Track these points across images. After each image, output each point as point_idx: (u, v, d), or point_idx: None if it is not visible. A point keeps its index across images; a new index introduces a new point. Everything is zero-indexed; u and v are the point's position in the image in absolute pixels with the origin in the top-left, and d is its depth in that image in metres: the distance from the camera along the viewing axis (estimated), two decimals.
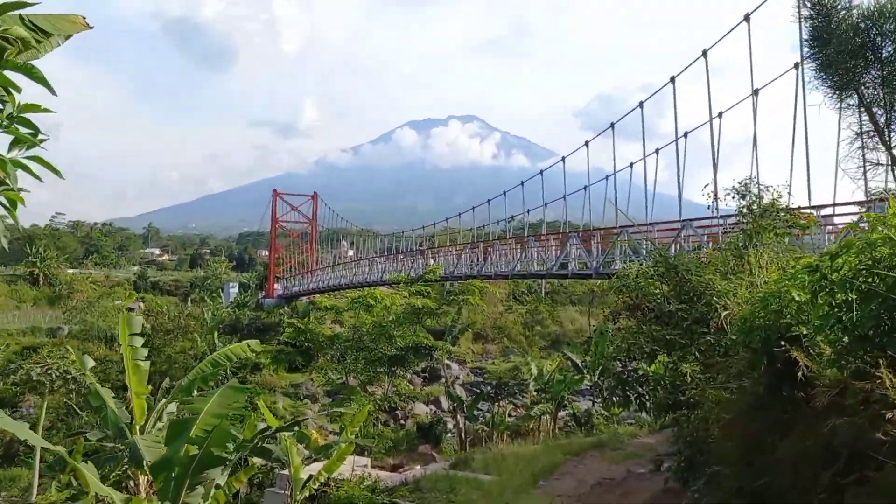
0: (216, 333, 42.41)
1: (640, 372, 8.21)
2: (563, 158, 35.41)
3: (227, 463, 7.58)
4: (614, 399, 8.49)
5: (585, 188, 35.53)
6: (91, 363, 9.30)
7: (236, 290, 79.16)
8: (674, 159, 28.26)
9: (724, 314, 6.95)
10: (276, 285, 77.75)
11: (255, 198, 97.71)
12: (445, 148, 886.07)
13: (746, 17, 24.33)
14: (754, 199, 8.69)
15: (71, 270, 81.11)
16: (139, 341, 8.87)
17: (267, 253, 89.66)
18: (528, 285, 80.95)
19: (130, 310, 58.42)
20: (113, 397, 8.91)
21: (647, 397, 7.78)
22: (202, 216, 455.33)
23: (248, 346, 9.33)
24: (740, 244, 8.14)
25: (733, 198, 8.91)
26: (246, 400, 7.72)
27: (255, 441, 8.80)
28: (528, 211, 40.84)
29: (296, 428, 9.37)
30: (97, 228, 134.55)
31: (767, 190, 8.89)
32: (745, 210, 8.72)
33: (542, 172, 38.24)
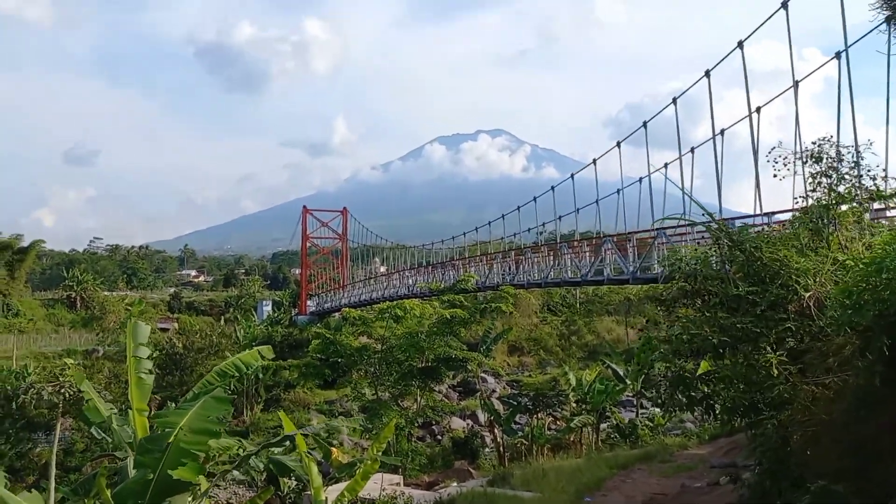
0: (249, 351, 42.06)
1: (702, 369, 7.11)
2: (595, 161, 34.34)
3: (194, 488, 6.79)
4: (674, 403, 7.41)
5: (619, 191, 34.36)
6: (83, 381, 8.60)
7: (270, 308, 79.32)
8: (707, 166, 27.27)
9: (806, 296, 5.94)
10: (308, 302, 77.65)
11: (288, 217, 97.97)
12: (475, 162, 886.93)
13: (784, 5, 23.27)
14: (832, 162, 7.58)
15: (107, 293, 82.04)
16: (145, 352, 8.18)
17: (300, 271, 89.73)
18: (563, 296, 79.65)
19: (164, 329, 58.66)
20: (115, 414, 8.23)
21: (714, 399, 6.66)
22: (237, 237, 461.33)
23: (259, 352, 8.59)
24: (817, 217, 7.10)
25: (804, 162, 7.83)
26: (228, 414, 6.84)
27: (236, 460, 7.83)
28: (560, 217, 39.75)
29: (303, 440, 8.40)
30: (134, 252, 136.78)
31: (848, 151, 7.76)
32: (821, 177, 7.58)
33: (572, 176, 37.25)
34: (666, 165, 30.60)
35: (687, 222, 26.47)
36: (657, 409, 37.09)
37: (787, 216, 13.26)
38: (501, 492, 12.36)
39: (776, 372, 5.54)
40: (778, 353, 5.65)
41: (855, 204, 7.13)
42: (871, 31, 11.32)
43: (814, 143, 7.73)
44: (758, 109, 25.46)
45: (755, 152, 23.64)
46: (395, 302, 24.42)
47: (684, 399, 6.95)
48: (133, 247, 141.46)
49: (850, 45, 20.39)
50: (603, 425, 25.82)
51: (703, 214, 6.81)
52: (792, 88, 23.66)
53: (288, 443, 8.33)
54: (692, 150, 28.61)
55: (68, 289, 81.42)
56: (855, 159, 7.59)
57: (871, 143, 8.04)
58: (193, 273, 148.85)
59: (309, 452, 9.15)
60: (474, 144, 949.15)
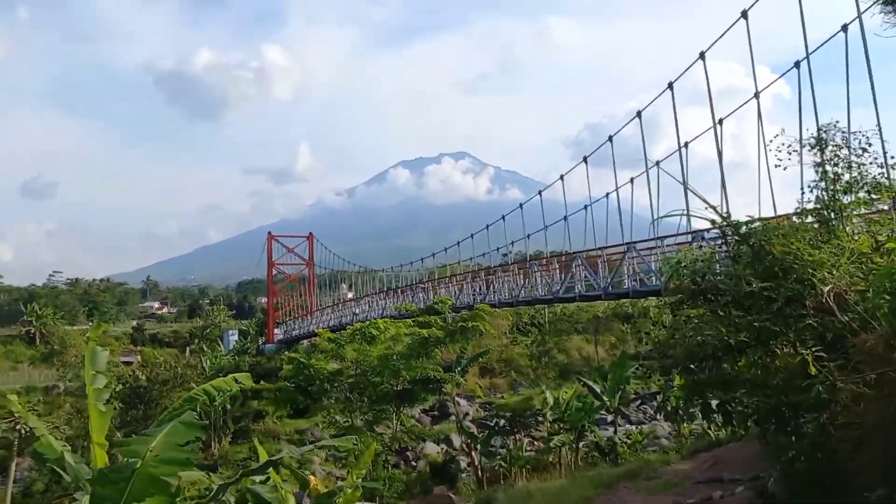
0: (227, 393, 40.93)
1: (718, 373, 6.71)
2: (562, 177, 34.45)
3: None
4: (686, 410, 6.99)
5: (586, 207, 34.47)
6: (29, 416, 8.00)
7: (236, 337, 77.85)
8: (668, 183, 27.64)
9: (826, 290, 5.65)
10: (276, 330, 76.41)
11: (253, 245, 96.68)
12: (439, 185, 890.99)
13: (744, 14, 23.65)
14: (836, 149, 7.37)
15: (68, 327, 79.75)
16: (102, 381, 7.60)
17: (266, 299, 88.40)
18: (532, 316, 79.60)
19: (127, 363, 56.93)
20: (68, 450, 7.64)
21: (731, 405, 6.25)
22: (200, 267, 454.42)
23: (236, 379, 8.08)
24: (824, 208, 6.85)
25: (810, 150, 7.63)
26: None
27: (209, 493, 7.15)
28: (528, 236, 39.73)
29: (273, 470, 7.70)
30: (95, 285, 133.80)
31: (854, 137, 7.55)
32: (826, 164, 7.33)
33: (540, 193, 37.27)
34: (632, 180, 30.74)
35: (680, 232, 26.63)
36: (633, 427, 37.08)
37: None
38: None
39: (814, 370, 5.19)
40: (813, 350, 5.27)
41: (862, 194, 6.94)
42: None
43: (820, 129, 7.53)
44: (720, 121, 25.80)
45: (720, 161, 23.84)
46: (367, 322, 23.84)
47: (700, 406, 6.56)
48: (94, 280, 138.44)
49: (812, 53, 20.83)
50: (580, 444, 25.49)
51: (706, 208, 6.55)
52: (753, 100, 24.11)
53: (271, 469, 7.68)
54: (657, 163, 28.83)
55: (27, 324, 79.22)
56: (862, 146, 7.39)
57: (879, 129, 7.92)
58: (157, 305, 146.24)
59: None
60: (438, 168, 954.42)
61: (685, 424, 23.72)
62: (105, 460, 7.15)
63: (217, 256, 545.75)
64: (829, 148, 7.35)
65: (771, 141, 7.93)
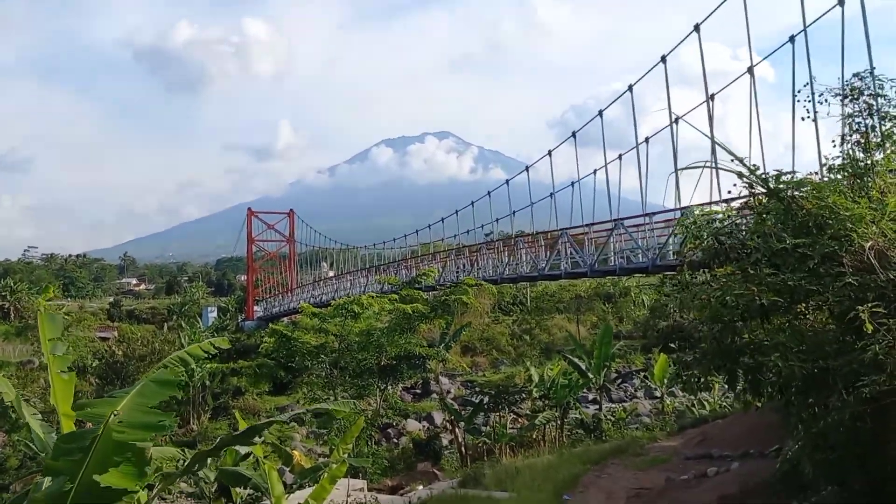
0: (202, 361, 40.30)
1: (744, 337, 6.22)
2: (550, 153, 33.99)
3: (131, 499, 5.08)
4: (704, 380, 6.51)
5: (573, 184, 34.10)
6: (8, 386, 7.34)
7: (215, 314, 76.93)
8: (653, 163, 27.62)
9: (867, 246, 5.24)
10: (255, 307, 75.60)
11: (232, 222, 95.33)
12: (422, 164, 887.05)
13: (696, 28, 23.84)
14: (870, 97, 6.96)
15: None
16: (61, 348, 7.04)
17: (246, 277, 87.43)
18: (514, 295, 79.53)
19: (104, 338, 56.07)
20: (39, 418, 7.06)
21: (761, 372, 5.77)
22: (179, 244, 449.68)
23: (212, 343, 7.54)
24: (859, 158, 6.42)
25: (842, 101, 7.22)
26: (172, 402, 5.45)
27: (192, 464, 6.20)
28: (514, 213, 39.30)
29: (258, 439, 6.97)
30: (71, 260, 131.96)
31: (892, 86, 7.13)
32: (858, 115, 6.93)
33: (527, 168, 36.79)
34: (621, 157, 30.38)
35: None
36: (615, 405, 37.03)
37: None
38: (475, 493, 11.56)
39: (870, 327, 4.77)
40: (871, 306, 4.82)
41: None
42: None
43: (855, 76, 7.13)
44: (712, 97, 25.45)
45: (712, 135, 23.47)
46: (351, 297, 23.28)
47: (726, 372, 6.09)
48: (70, 255, 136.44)
49: (809, 26, 20.51)
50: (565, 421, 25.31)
51: (732, 160, 6.07)
52: (746, 75, 23.79)
53: (256, 445, 7.04)
54: (647, 139, 28.47)
55: (1, 299, 77.71)
56: None
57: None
58: (134, 281, 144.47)
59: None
60: (421, 147, 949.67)
61: (702, 395, 23.50)
62: (72, 429, 6.63)
63: (196, 233, 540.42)
64: (864, 97, 6.96)
65: (799, 91, 7.54)
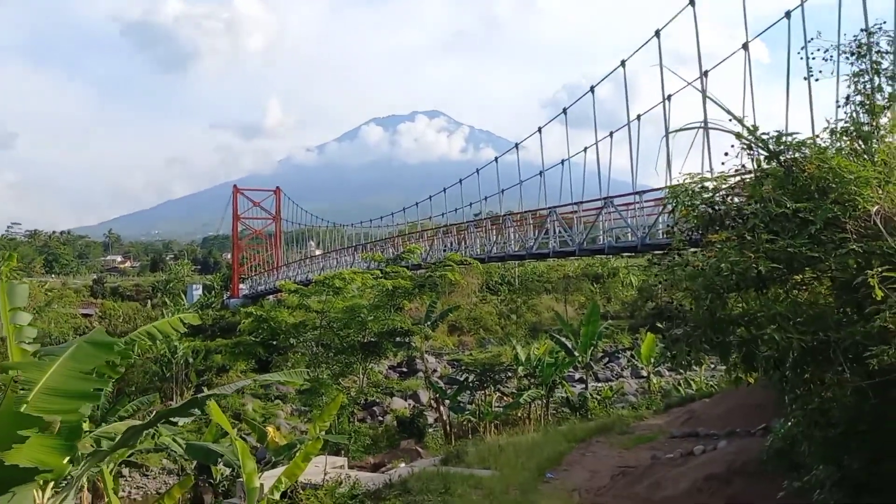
0: (176, 337, 39.86)
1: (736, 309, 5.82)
2: (540, 129, 33.54)
3: (42, 478, 4.34)
4: (695, 355, 6.12)
5: (563, 162, 33.75)
6: None
7: (200, 291, 76.22)
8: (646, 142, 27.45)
9: (873, 210, 4.89)
10: (241, 285, 75.00)
11: (219, 200, 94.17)
12: (413, 144, 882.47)
13: (692, 1, 23.50)
14: (879, 55, 6.60)
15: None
16: (25, 318, 6.62)
17: (231, 255, 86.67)
18: (502, 275, 79.40)
19: (87, 315, 55.44)
20: None
21: (755, 345, 5.39)
22: (165, 221, 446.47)
23: (181, 320, 7.16)
24: (862, 120, 6.07)
25: (847, 59, 6.86)
26: (115, 363, 4.83)
27: (126, 438, 5.39)
28: (503, 191, 38.93)
29: (196, 412, 6.31)
30: (55, 237, 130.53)
31: None
32: (866, 73, 6.55)
33: (517, 145, 36.39)
34: (612, 134, 30.05)
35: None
36: (601, 384, 37.01)
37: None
38: (457, 471, 11.27)
39: (880, 294, 4.40)
40: (883, 271, 4.44)
41: None
42: None
43: (863, 31, 6.74)
44: (706, 73, 25.06)
45: (705, 113, 23.10)
46: (332, 272, 22.83)
47: (715, 347, 5.71)
48: (55, 232, 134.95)
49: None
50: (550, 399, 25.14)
51: (730, 120, 5.70)
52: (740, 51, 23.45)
53: (196, 410, 6.42)
54: (638, 117, 28.10)
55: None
56: None
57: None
58: (119, 259, 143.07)
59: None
60: (411, 126, 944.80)
61: (688, 374, 23.33)
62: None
63: (182, 211, 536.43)
64: (873, 55, 6.58)
65: (800, 50, 7.17)
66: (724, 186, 6.13)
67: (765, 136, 5.66)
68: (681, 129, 6.69)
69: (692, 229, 6.29)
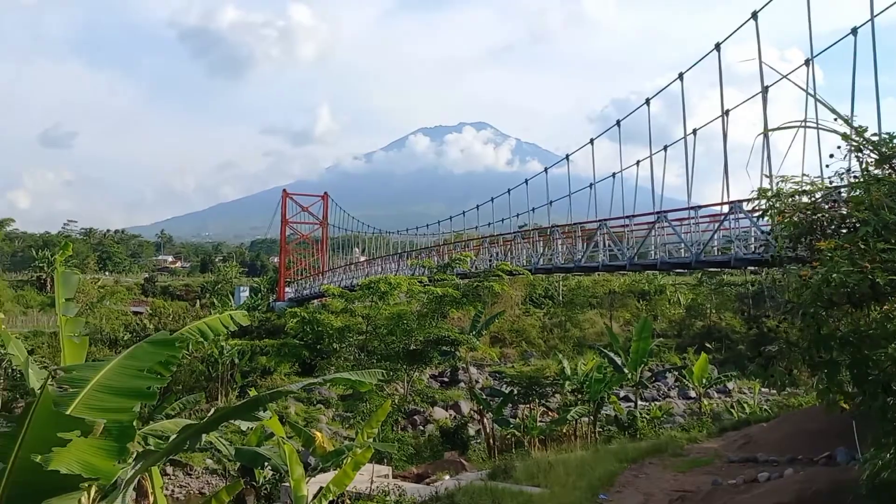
0: (224, 335, 40.34)
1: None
2: (592, 141, 33.07)
3: (89, 483, 3.74)
4: (789, 374, 5.67)
5: (614, 175, 33.23)
6: (10, 340, 6.83)
7: (247, 294, 77.34)
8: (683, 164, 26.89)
9: None
10: (287, 289, 75.81)
11: (268, 205, 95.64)
12: (459, 154, 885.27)
13: (754, 15, 22.89)
14: None
15: (82, 276, 79.53)
16: (73, 309, 6.55)
17: (278, 258, 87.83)
18: (546, 288, 78.62)
19: (137, 313, 56.74)
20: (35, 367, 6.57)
21: (867, 365, 4.92)
22: (215, 224, 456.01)
23: (232, 317, 7.01)
24: None
25: None
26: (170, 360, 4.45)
27: (182, 440, 4.95)
28: (551, 202, 38.54)
29: (264, 413, 5.87)
30: (110, 236, 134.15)
31: None
32: None
33: (567, 157, 35.95)
34: (665, 148, 29.46)
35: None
36: (647, 403, 36.05)
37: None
38: (506, 486, 10.91)
39: None
40: None
41: None
42: None
43: None
44: (766, 89, 24.29)
45: (765, 126, 22.35)
46: (378, 277, 22.69)
47: (818, 366, 5.25)
48: (108, 231, 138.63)
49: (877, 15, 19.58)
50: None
51: (835, 119, 5.29)
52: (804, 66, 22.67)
53: (276, 424, 6.11)
54: (694, 131, 27.45)
55: (38, 270, 79.09)
56: None
57: None
58: (170, 259, 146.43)
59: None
60: (458, 136, 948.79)
61: (741, 397, 22.50)
62: None
63: (232, 214, 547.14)
64: None
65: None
66: (823, 192, 5.68)
67: (874, 139, 5.22)
68: (780, 129, 6.26)
69: (791, 237, 5.82)
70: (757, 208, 8.35)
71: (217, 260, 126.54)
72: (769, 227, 21.70)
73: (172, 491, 26.95)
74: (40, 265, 78.56)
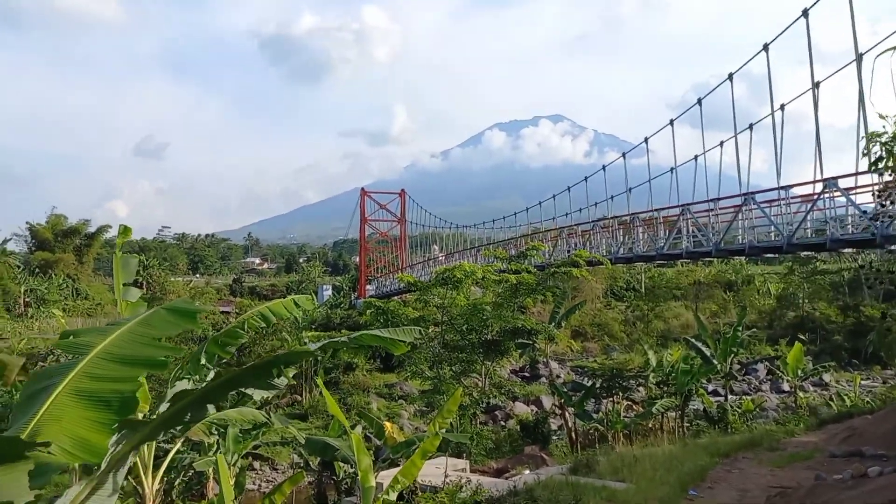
0: (307, 332, 41.08)
1: None
2: (672, 122, 31.79)
3: (81, 460, 3.22)
4: None
5: (696, 158, 31.86)
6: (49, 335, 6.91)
7: (330, 292, 78.99)
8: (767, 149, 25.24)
9: None
10: (367, 286, 76.90)
11: (348, 206, 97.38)
12: (535, 148, 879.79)
13: None
14: None
15: (174, 278, 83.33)
16: (135, 293, 6.51)
17: (359, 258, 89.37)
18: (627, 280, 76.84)
19: (225, 312, 58.81)
20: None
21: None
22: (299, 226, 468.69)
23: (295, 301, 6.85)
24: None
25: None
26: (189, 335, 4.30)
27: (180, 411, 4.04)
28: (630, 189, 37.37)
29: (281, 380, 5.49)
30: (201, 240, 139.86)
31: None
32: None
33: (646, 140, 34.70)
34: (751, 126, 27.99)
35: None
36: (736, 397, 34.41)
37: None
38: (588, 481, 10.40)
39: None
40: None
41: None
42: None
43: None
44: (861, 56, 22.58)
45: (861, 97, 20.73)
46: (451, 265, 22.43)
47: None
48: (200, 235, 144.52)
49: None
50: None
51: None
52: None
53: (274, 372, 5.36)
54: (782, 106, 25.92)
55: (136, 274, 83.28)
56: None
57: None
58: (257, 261, 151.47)
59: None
60: (534, 130, 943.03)
61: (840, 388, 21.29)
62: (146, 392, 6.12)
63: (314, 216, 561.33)
64: None
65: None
66: None
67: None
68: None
69: None
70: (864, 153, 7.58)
71: (301, 260, 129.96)
72: (870, 206, 20.07)
73: (259, 485, 27.56)
74: (138, 269, 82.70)
